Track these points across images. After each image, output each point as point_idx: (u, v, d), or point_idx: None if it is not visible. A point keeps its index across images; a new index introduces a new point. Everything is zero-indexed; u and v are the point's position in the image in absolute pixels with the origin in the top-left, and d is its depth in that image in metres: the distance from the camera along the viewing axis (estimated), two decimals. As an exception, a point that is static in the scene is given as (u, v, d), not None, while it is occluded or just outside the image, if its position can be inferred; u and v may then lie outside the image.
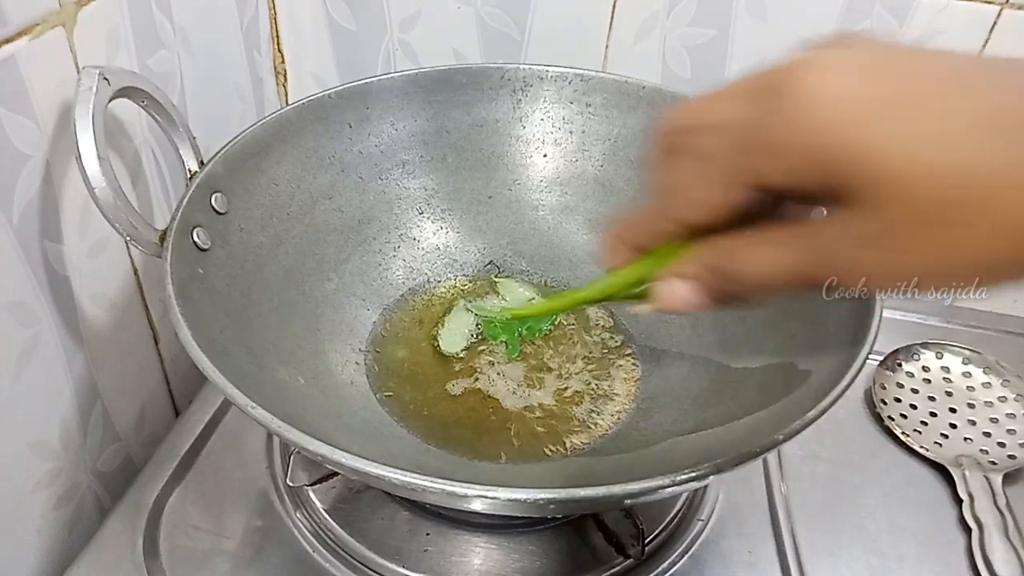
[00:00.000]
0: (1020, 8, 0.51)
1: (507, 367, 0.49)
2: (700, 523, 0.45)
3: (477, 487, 0.29)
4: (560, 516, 0.44)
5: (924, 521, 0.47)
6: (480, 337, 0.51)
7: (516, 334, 0.51)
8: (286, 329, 0.45)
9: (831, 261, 0.23)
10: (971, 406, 0.53)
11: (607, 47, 0.59)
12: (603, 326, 0.52)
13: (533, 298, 0.53)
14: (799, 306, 0.44)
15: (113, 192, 0.36)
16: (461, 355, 0.50)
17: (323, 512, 0.44)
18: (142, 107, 0.40)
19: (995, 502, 0.47)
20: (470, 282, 0.55)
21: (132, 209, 0.37)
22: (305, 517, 0.45)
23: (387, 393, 0.47)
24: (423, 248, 0.55)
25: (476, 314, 0.52)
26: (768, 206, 0.25)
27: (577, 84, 0.54)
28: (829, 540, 0.46)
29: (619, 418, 0.46)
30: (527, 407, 0.47)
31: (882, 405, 0.53)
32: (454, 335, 0.51)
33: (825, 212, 0.23)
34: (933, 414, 0.53)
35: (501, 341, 0.51)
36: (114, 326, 0.46)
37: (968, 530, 0.46)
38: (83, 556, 0.42)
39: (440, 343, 0.50)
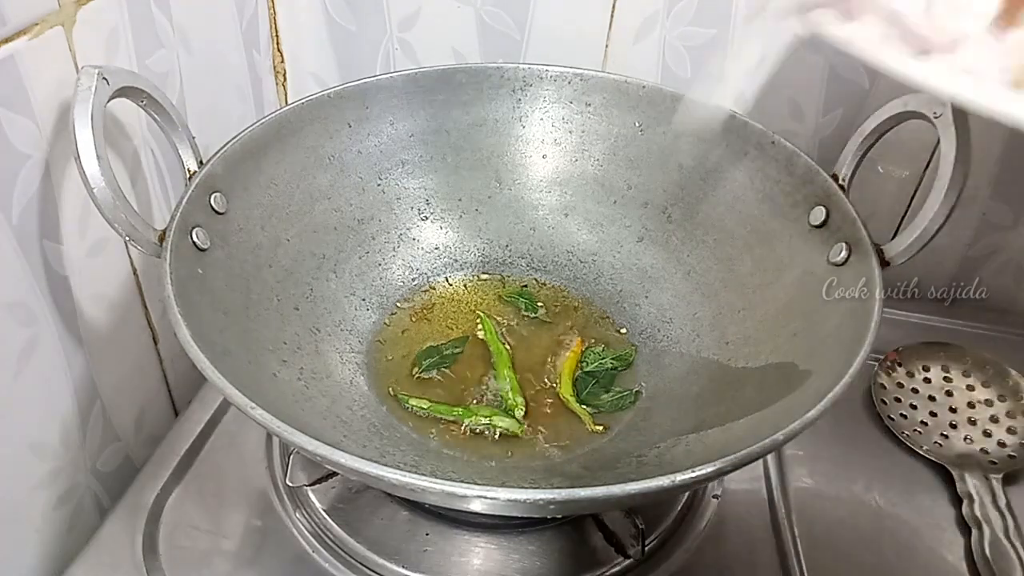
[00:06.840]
0: (1020, 8, 0.51)
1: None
2: (700, 523, 0.45)
3: (477, 487, 0.29)
4: (560, 516, 0.44)
5: (924, 521, 0.47)
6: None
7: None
8: (286, 329, 0.45)
9: None
10: (971, 406, 0.53)
11: (607, 47, 0.58)
12: (604, 326, 0.52)
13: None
14: (799, 306, 0.44)
15: (112, 192, 0.36)
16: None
17: (322, 512, 0.44)
18: (141, 107, 0.40)
19: (995, 502, 0.47)
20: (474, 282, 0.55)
21: (131, 209, 0.37)
22: (304, 517, 0.45)
23: (387, 393, 0.47)
24: (423, 248, 0.55)
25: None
26: None
27: (577, 84, 0.54)
28: (829, 540, 0.46)
29: (619, 418, 0.46)
30: (527, 407, 0.47)
31: (882, 405, 0.53)
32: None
33: None
34: (933, 414, 0.53)
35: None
36: (113, 326, 0.46)
37: (968, 530, 0.46)
38: (83, 556, 0.42)
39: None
